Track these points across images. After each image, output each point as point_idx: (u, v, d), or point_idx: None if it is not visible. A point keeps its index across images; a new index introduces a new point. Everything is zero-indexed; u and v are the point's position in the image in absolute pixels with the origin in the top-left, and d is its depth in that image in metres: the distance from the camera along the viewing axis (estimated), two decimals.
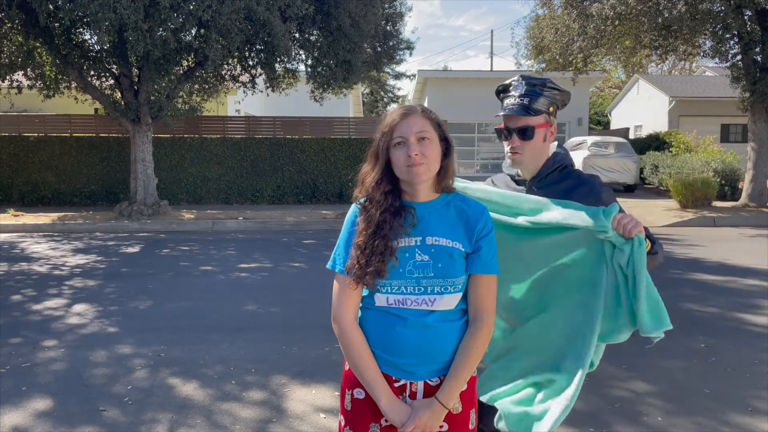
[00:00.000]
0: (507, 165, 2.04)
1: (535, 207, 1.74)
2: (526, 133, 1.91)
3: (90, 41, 11.39)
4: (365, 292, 1.59)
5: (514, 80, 1.97)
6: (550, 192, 1.86)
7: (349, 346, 1.55)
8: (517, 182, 2.02)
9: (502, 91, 1.99)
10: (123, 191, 13.41)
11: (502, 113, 1.94)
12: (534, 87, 1.92)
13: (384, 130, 1.58)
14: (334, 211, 12.35)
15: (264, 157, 14.05)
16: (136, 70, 11.41)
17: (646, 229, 1.69)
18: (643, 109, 24.93)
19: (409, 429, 1.49)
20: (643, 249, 1.60)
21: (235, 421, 3.15)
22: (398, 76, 32.64)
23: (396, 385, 1.56)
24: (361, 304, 1.61)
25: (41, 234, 10.17)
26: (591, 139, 16.03)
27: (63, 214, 11.85)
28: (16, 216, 11.45)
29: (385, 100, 39.83)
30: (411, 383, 1.55)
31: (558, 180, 1.94)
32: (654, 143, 18.34)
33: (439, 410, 1.51)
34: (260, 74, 12.35)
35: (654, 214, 12.02)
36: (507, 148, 1.97)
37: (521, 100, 1.90)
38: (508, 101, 1.94)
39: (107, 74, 11.56)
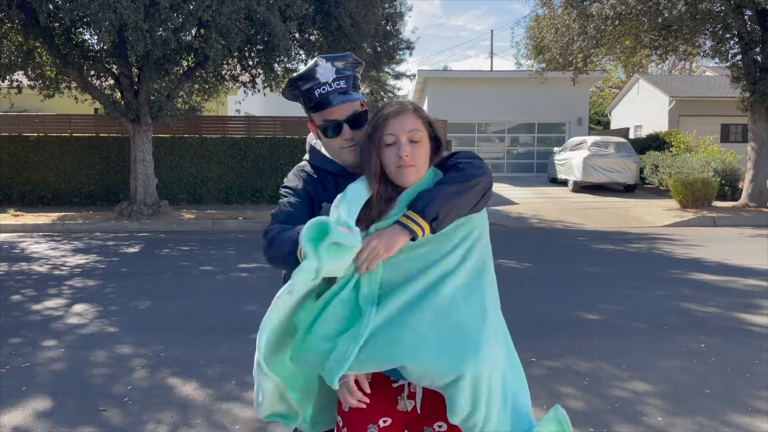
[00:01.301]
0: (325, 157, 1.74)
1: None
2: (359, 121, 1.64)
3: (90, 41, 11.39)
4: None
5: (317, 64, 1.64)
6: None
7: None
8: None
9: (305, 79, 1.65)
10: (123, 191, 13.40)
11: (330, 107, 1.61)
12: (345, 65, 1.65)
13: (376, 126, 1.54)
14: None
15: (264, 157, 14.05)
16: (136, 70, 11.41)
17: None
18: (643, 109, 24.93)
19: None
20: None
21: (235, 421, 3.15)
22: (398, 76, 32.61)
23: (394, 385, 1.55)
24: None
25: (41, 234, 10.17)
26: (591, 139, 16.02)
27: (63, 214, 11.85)
28: (16, 216, 11.45)
29: (385, 100, 39.84)
30: (410, 384, 1.55)
31: None
32: (654, 143, 18.34)
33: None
34: (260, 74, 12.35)
35: (654, 214, 12.02)
36: (336, 144, 1.66)
37: (338, 84, 1.63)
38: (320, 90, 1.63)
39: (107, 74, 11.55)
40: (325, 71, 1.63)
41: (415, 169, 1.51)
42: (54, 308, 5.35)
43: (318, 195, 1.68)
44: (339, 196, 1.49)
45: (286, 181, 1.76)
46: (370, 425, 1.56)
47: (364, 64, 1.76)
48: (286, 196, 1.71)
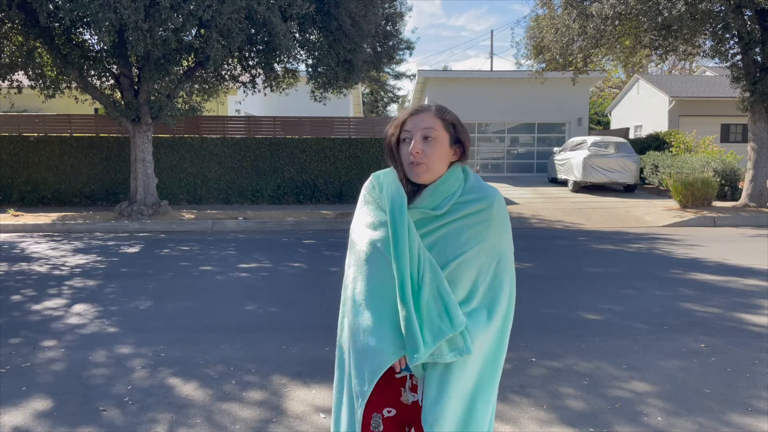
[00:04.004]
0: None
1: None
2: None
3: (90, 41, 11.39)
4: None
5: None
6: None
7: None
8: None
9: None
10: (123, 191, 13.41)
11: None
12: None
13: (396, 124, 1.59)
14: (334, 211, 12.35)
15: (264, 157, 14.05)
16: (136, 70, 11.41)
17: None
18: (643, 109, 24.93)
19: None
20: None
21: (235, 421, 3.15)
22: (398, 76, 32.66)
23: (397, 376, 1.56)
24: None
25: (41, 234, 10.17)
26: (591, 139, 16.02)
27: (63, 214, 11.85)
28: (16, 216, 11.45)
29: (385, 100, 39.89)
30: (411, 376, 1.56)
31: None
32: (654, 143, 18.33)
33: None
34: (260, 74, 12.34)
35: (654, 214, 12.02)
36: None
37: None
38: None
39: (107, 74, 11.55)
40: None
41: (425, 167, 1.53)
42: (54, 308, 5.34)
43: None
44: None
45: None
46: (374, 414, 1.56)
47: None
48: None
